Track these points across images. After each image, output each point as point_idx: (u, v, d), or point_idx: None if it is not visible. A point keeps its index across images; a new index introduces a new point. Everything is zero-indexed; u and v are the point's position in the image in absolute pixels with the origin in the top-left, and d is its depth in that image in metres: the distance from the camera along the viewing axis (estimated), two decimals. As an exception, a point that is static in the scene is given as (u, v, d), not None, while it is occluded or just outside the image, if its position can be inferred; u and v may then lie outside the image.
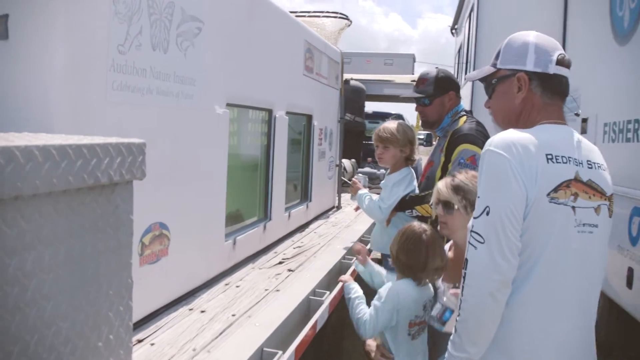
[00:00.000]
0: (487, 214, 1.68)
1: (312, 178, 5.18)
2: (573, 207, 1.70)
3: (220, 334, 2.38)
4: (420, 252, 2.40)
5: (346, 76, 8.71)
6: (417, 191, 3.52)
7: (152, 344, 2.22)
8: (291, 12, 5.03)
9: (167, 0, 2.41)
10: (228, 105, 3.13)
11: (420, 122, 3.62)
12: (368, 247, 4.36)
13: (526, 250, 1.70)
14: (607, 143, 3.95)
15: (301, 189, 5.12)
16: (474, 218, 1.72)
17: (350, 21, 6.92)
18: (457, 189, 2.36)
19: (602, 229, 1.78)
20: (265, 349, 2.31)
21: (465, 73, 9.61)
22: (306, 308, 2.97)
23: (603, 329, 4.14)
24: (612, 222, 1.83)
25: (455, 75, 11.58)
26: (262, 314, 2.64)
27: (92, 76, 2.00)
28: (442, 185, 2.42)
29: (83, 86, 1.96)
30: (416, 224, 2.50)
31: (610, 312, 4.11)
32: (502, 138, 1.73)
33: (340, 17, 6.78)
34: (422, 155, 7.44)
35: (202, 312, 2.62)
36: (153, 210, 2.42)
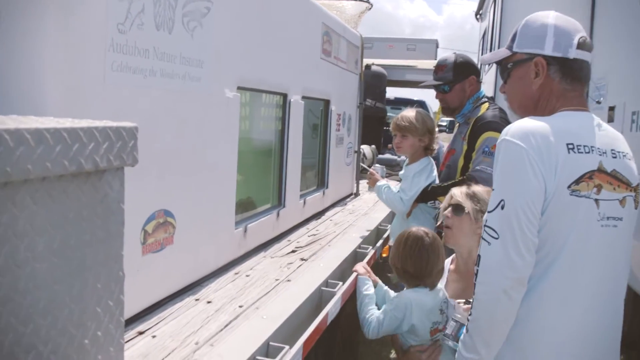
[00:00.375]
0: (502, 207, 1.57)
1: (329, 164, 5.06)
2: (596, 200, 1.59)
3: (226, 326, 2.29)
4: (427, 256, 2.40)
5: (367, 61, 8.56)
6: (437, 181, 3.41)
7: (154, 336, 2.14)
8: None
9: (172, -23, 2.30)
10: (239, 88, 3.02)
11: (441, 108, 3.54)
12: (385, 236, 4.26)
13: (544, 247, 1.59)
14: (635, 132, 3.76)
15: (317, 176, 5.01)
16: (488, 212, 1.62)
17: (371, 5, 6.74)
18: (472, 196, 2.33)
19: (627, 222, 1.68)
20: (271, 343, 2.22)
21: (490, 59, 9.37)
22: (317, 299, 2.87)
23: (627, 323, 3.98)
24: (638, 213, 1.72)
25: (479, 61, 11.34)
26: (270, 306, 2.54)
27: (89, 56, 1.90)
28: (457, 191, 2.39)
29: (78, 66, 1.86)
30: (414, 229, 2.49)
31: (635, 306, 3.95)
32: (519, 126, 1.62)
33: (360, 0, 6.61)
34: (445, 142, 7.30)
35: (209, 302, 2.53)
36: (157, 198, 2.32)
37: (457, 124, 3.42)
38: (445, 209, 2.41)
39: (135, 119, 1.85)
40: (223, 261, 3.00)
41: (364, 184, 6.33)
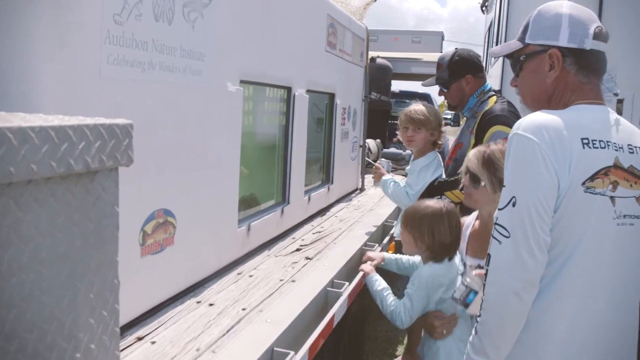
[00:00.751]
0: (514, 205, 1.50)
1: (334, 159, 4.96)
2: (612, 197, 1.53)
3: (228, 330, 2.20)
4: (426, 224, 2.44)
5: (372, 54, 8.43)
6: (444, 176, 3.36)
7: (153, 342, 2.05)
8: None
9: (172, -35, 2.19)
10: (242, 82, 2.92)
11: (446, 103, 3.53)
12: (392, 232, 4.18)
13: (557, 246, 1.52)
14: (644, 125, 3.67)
15: (322, 171, 4.91)
16: (499, 209, 1.55)
17: (376, -4, 6.64)
18: (488, 162, 2.22)
19: None
20: (275, 348, 2.12)
21: (496, 52, 9.23)
22: (323, 301, 2.78)
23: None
24: None
25: (485, 55, 11.21)
26: (274, 309, 2.45)
27: (83, 48, 1.80)
28: (473, 156, 2.29)
29: (72, 59, 1.76)
30: (430, 203, 2.55)
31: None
32: (532, 120, 1.54)
33: (365, -8, 6.50)
34: (450, 135, 7.19)
35: (211, 305, 2.44)
36: (156, 197, 2.23)
37: (465, 118, 3.38)
38: (465, 174, 2.35)
39: (133, 114, 1.77)
40: (226, 261, 2.91)
41: (369, 178, 6.24)
